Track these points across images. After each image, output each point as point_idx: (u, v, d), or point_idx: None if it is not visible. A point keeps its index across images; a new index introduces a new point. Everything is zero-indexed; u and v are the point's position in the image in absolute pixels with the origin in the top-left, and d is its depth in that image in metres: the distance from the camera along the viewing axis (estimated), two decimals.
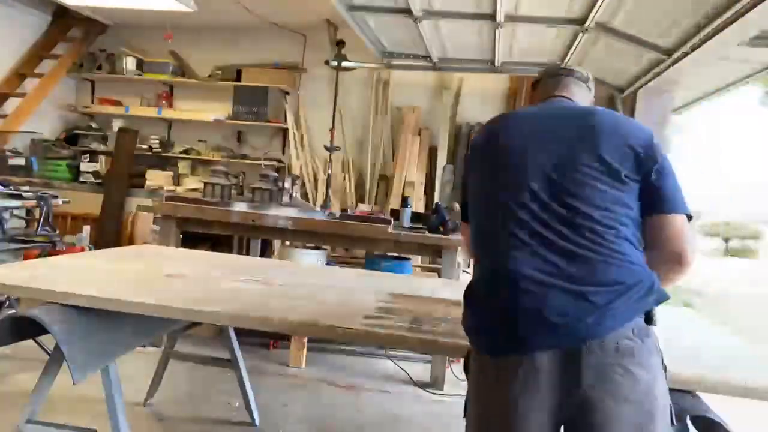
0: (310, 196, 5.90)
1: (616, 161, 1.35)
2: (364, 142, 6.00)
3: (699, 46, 3.23)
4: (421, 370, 3.78)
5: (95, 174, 6.16)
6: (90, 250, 4.56)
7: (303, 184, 5.89)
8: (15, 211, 3.87)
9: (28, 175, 5.76)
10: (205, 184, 3.98)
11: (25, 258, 4.13)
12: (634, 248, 1.33)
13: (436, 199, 5.49)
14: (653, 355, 1.29)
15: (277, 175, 4.01)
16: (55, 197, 3.80)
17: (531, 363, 1.25)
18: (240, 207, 3.79)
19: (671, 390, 1.53)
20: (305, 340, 3.76)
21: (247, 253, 4.86)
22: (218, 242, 5.08)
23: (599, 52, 4.28)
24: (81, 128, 6.59)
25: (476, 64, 5.10)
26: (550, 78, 1.65)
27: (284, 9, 5.48)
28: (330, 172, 5.40)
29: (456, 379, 3.66)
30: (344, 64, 5.32)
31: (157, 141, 6.41)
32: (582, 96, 1.63)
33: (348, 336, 1.69)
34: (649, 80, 4.21)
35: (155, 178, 6.10)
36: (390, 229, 3.57)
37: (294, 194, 4.16)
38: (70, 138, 6.52)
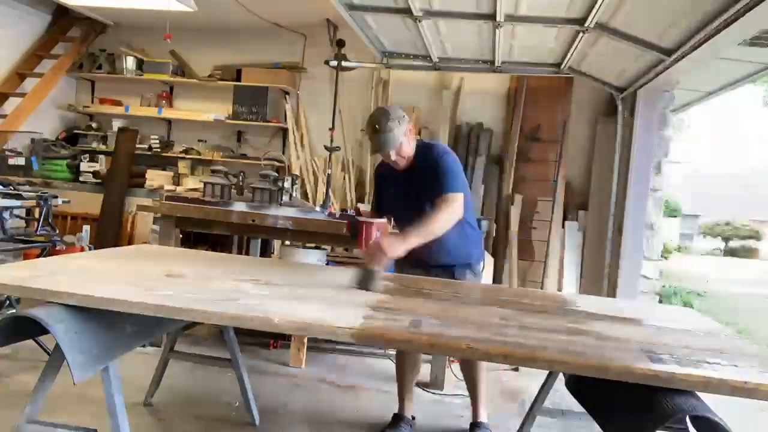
0: (310, 196, 5.90)
1: None
2: (364, 142, 6.00)
3: (699, 46, 3.23)
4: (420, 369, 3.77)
5: (95, 174, 6.16)
6: (90, 250, 4.56)
7: (303, 184, 5.89)
8: (15, 211, 3.86)
9: (28, 175, 5.77)
10: (205, 184, 3.98)
11: (25, 258, 4.14)
12: None
13: None
14: None
15: (277, 175, 4.00)
16: (55, 197, 3.80)
17: None
18: (240, 207, 3.78)
19: (671, 390, 1.53)
20: (305, 339, 3.76)
21: (247, 253, 4.86)
22: (218, 242, 5.07)
23: (599, 52, 4.28)
24: (81, 128, 6.60)
25: (476, 64, 5.10)
26: None
27: (284, 9, 5.48)
28: (330, 172, 5.40)
29: (456, 379, 3.66)
30: (344, 64, 5.32)
31: (157, 141, 6.41)
32: None
33: (348, 336, 1.69)
34: (649, 80, 4.21)
35: (155, 178, 6.10)
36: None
37: (294, 194, 4.16)
38: (70, 138, 6.52)
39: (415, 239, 2.39)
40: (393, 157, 2.66)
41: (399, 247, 2.36)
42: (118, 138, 6.19)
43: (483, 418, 2.93)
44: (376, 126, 2.58)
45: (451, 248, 2.71)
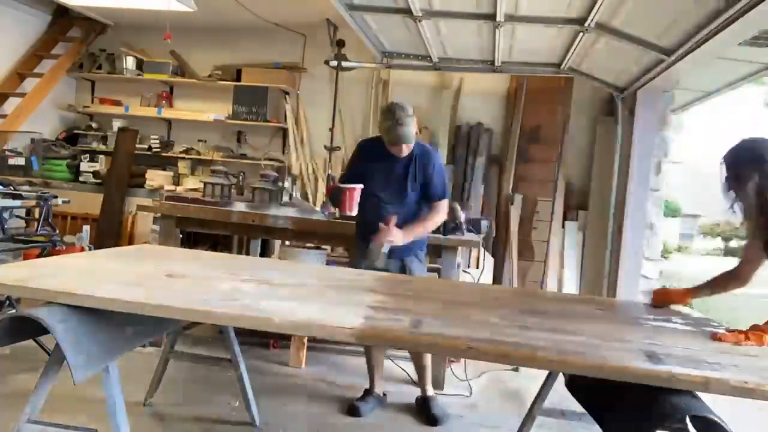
0: (310, 196, 5.90)
1: None
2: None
3: (699, 46, 3.23)
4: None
5: (95, 174, 6.16)
6: (90, 250, 4.56)
7: (303, 184, 5.89)
8: (15, 211, 3.86)
9: (28, 175, 5.76)
10: (205, 184, 3.98)
11: (25, 258, 4.13)
12: None
13: None
14: None
15: (277, 175, 4.01)
16: (55, 197, 3.80)
17: None
18: (240, 207, 3.78)
19: (671, 390, 1.53)
20: (305, 339, 3.76)
21: (247, 253, 4.86)
22: (218, 242, 5.07)
23: (599, 52, 4.28)
24: (81, 128, 6.59)
25: (476, 64, 5.10)
26: None
27: (284, 9, 5.48)
28: (330, 172, 5.40)
29: (456, 379, 3.66)
30: (344, 64, 5.32)
31: (157, 141, 6.41)
32: None
33: (348, 336, 1.69)
34: (649, 80, 4.21)
35: (155, 178, 6.10)
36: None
37: (294, 194, 4.16)
38: (70, 138, 6.52)
39: (413, 235, 2.95)
40: (406, 150, 2.97)
41: (401, 237, 2.88)
42: (118, 138, 6.18)
43: (431, 392, 3.25)
44: (398, 120, 2.89)
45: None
